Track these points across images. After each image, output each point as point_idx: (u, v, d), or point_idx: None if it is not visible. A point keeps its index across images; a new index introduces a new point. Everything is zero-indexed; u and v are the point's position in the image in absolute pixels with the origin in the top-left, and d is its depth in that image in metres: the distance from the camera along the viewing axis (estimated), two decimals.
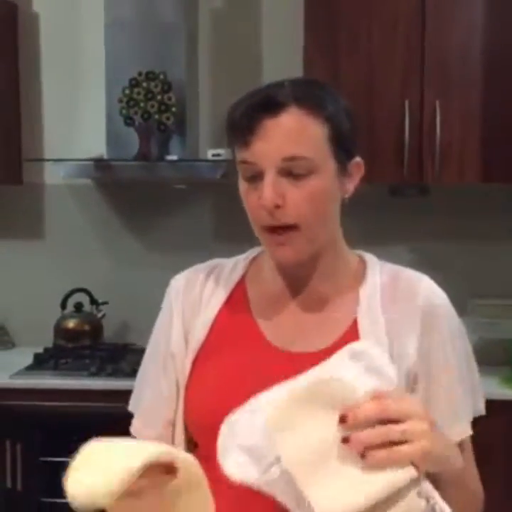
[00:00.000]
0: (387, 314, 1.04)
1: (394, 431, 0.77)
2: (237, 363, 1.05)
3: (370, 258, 1.12)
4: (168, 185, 2.97)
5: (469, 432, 1.05)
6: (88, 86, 2.97)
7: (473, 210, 2.88)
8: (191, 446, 1.08)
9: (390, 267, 1.11)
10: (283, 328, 1.07)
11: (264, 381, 0.91)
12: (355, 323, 1.04)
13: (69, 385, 2.51)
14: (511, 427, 2.40)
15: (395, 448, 0.77)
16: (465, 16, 2.56)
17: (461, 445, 1.01)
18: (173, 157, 2.69)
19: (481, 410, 1.08)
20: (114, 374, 2.54)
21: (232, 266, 1.14)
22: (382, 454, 0.76)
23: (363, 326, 1.03)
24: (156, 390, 1.09)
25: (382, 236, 2.88)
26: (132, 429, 1.14)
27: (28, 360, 2.69)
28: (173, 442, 1.07)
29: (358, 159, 1.07)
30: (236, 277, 1.12)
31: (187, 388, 1.07)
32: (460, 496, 0.91)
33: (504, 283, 2.86)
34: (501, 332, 2.70)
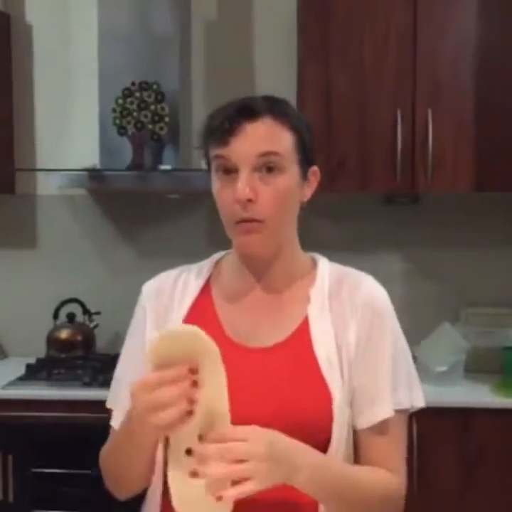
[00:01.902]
0: (333, 310, 1.17)
1: (236, 471, 0.95)
2: None
3: (321, 260, 1.24)
4: (161, 194, 2.97)
5: (391, 413, 1.16)
6: (81, 96, 2.97)
7: (465, 218, 2.89)
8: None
9: (338, 268, 1.23)
10: (241, 325, 1.18)
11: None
12: (306, 319, 1.17)
13: (61, 395, 2.49)
14: (503, 434, 2.40)
15: (239, 486, 0.95)
16: (457, 25, 2.57)
17: (383, 425, 1.15)
18: (167, 167, 2.69)
19: (420, 403, 1.20)
20: (107, 384, 2.49)
21: (198, 270, 1.26)
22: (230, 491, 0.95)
23: (312, 323, 1.16)
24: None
25: (376, 243, 2.89)
26: (113, 423, 1.23)
27: (21, 370, 2.68)
28: None
29: (315, 168, 1.20)
30: (202, 280, 1.24)
31: None
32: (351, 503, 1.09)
33: (496, 291, 2.87)
34: (493, 340, 2.70)
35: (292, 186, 1.14)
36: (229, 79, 2.94)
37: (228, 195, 1.12)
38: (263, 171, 1.11)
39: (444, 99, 2.58)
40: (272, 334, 1.16)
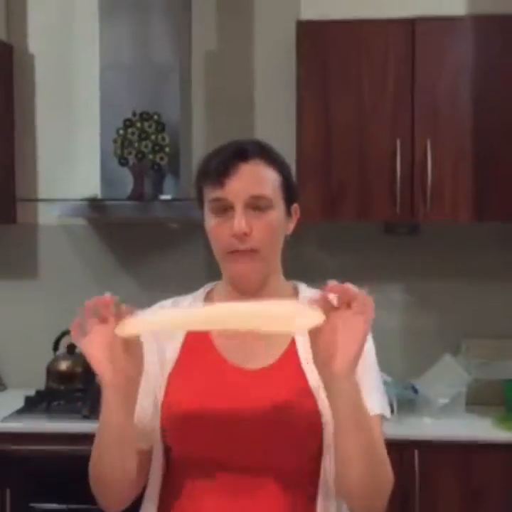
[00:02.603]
0: None
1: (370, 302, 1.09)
2: (203, 380, 1.28)
3: (301, 286, 1.37)
4: (162, 224, 2.97)
5: (376, 411, 1.23)
6: (82, 126, 2.99)
7: (465, 249, 2.88)
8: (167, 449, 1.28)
9: (317, 292, 1.32)
10: (235, 349, 1.29)
11: (224, 392, 1.22)
12: (293, 342, 1.29)
13: (61, 428, 2.48)
14: (505, 468, 2.38)
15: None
16: (455, 55, 2.60)
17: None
18: (167, 197, 2.69)
19: (388, 414, 1.28)
20: None
21: (192, 299, 1.36)
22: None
23: (299, 342, 1.28)
24: (139, 404, 1.23)
25: (375, 273, 2.87)
26: None
27: (20, 402, 2.66)
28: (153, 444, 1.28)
29: (296, 205, 1.33)
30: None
31: (164, 400, 1.28)
32: (362, 442, 1.13)
33: (498, 323, 2.85)
34: (495, 373, 2.67)
35: (280, 220, 1.28)
36: (229, 109, 2.96)
37: (224, 230, 1.24)
38: (254, 210, 1.24)
39: (443, 128, 2.59)
40: (265, 356, 1.28)
